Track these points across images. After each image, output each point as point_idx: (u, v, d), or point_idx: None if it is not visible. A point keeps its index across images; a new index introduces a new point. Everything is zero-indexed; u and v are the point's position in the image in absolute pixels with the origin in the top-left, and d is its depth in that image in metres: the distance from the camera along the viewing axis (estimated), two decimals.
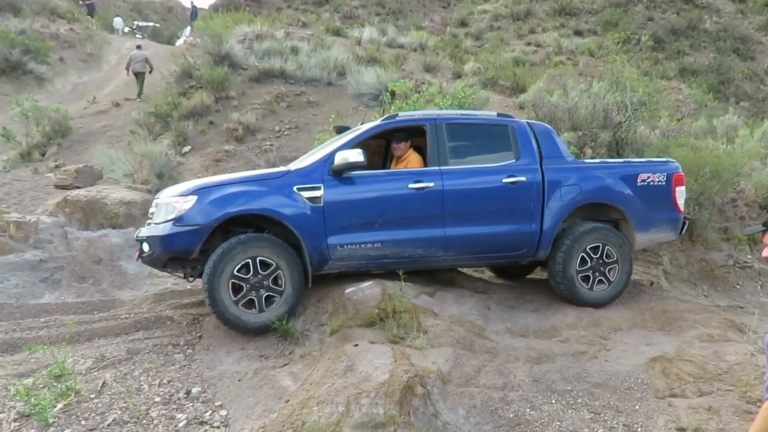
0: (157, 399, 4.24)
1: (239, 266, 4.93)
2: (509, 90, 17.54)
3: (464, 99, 10.05)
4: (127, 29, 35.44)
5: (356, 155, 5.24)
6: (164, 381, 4.51)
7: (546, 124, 6.52)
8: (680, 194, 6.22)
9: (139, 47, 19.97)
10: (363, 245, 5.36)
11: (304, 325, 5.23)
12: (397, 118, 5.95)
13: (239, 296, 4.97)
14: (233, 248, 4.91)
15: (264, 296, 5.04)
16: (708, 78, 26.05)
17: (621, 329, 5.45)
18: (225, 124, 13.06)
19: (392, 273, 5.47)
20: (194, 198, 5.01)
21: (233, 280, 4.94)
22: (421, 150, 6.02)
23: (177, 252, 5.08)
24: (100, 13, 35.88)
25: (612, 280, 5.92)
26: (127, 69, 18.69)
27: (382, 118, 5.95)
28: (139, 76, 18.35)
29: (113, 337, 5.31)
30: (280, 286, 5.08)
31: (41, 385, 4.21)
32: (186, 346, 5.14)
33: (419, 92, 10.95)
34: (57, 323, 5.60)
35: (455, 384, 4.33)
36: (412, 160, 6.03)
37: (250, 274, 4.98)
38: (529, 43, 28.97)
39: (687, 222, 6.45)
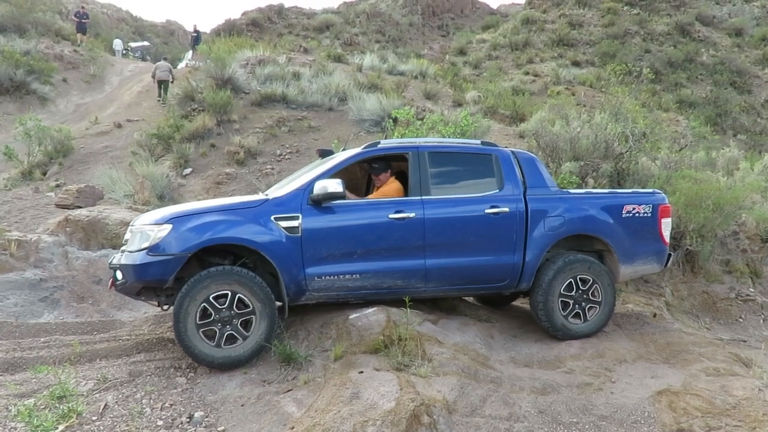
0: (160, 423, 4.19)
1: (199, 315, 4.85)
2: (509, 119, 17.70)
3: (467, 127, 10.13)
4: (124, 51, 35.76)
5: (335, 185, 5.16)
6: (166, 404, 4.46)
7: (531, 153, 6.44)
8: (666, 226, 6.17)
9: (165, 58, 22.86)
10: (341, 276, 5.28)
11: (307, 350, 5.20)
12: (379, 146, 5.85)
13: (216, 339, 4.90)
14: (182, 303, 4.79)
15: (239, 323, 4.96)
16: (705, 110, 26.35)
17: (626, 361, 5.42)
18: (226, 147, 13.12)
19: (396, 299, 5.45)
20: (169, 227, 4.91)
21: (202, 330, 4.87)
22: (405, 176, 5.96)
23: (150, 282, 4.99)
24: (103, 35, 36.22)
25: (600, 300, 5.87)
26: (153, 77, 20.55)
27: (364, 145, 5.88)
28: (163, 84, 20.11)
29: (115, 359, 5.26)
30: (249, 306, 4.98)
31: (43, 406, 4.16)
32: (188, 369, 5.08)
33: (421, 119, 11.03)
34: (57, 343, 5.55)
35: (461, 414, 4.29)
36: (389, 189, 5.90)
37: (214, 315, 4.89)
38: (527, 73, 29.33)
39: (672, 254, 6.40)
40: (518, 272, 5.74)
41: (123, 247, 5.34)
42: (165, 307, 5.35)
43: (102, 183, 11.17)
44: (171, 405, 4.46)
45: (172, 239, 4.88)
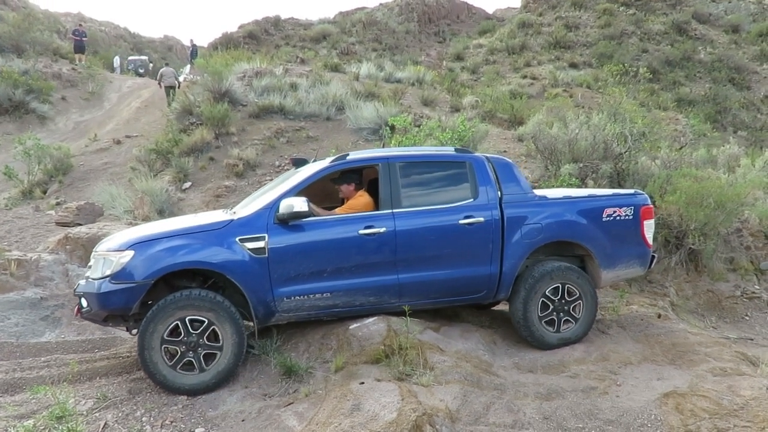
0: None
1: (167, 358, 4.78)
2: (507, 122, 17.67)
3: (464, 132, 10.11)
4: (129, 66, 36.02)
5: (301, 204, 5.01)
6: (167, 422, 4.42)
7: (506, 158, 6.21)
8: (648, 228, 5.98)
9: (167, 64, 24.47)
10: (312, 295, 5.15)
11: (308, 362, 5.15)
12: (348, 159, 5.66)
13: (197, 365, 4.84)
14: (145, 357, 4.70)
15: (206, 339, 4.87)
16: (705, 108, 26.31)
17: (631, 363, 5.36)
18: (225, 160, 13.10)
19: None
20: (131, 253, 4.80)
21: (180, 365, 4.80)
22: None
23: (114, 310, 4.89)
24: (101, 53, 36.39)
25: (578, 294, 5.74)
26: (159, 83, 22.01)
27: (332, 158, 5.72)
28: (171, 90, 21.62)
29: (115, 377, 5.22)
30: (203, 321, 4.85)
31: (42, 427, 4.12)
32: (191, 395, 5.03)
33: (418, 126, 11.02)
34: (58, 362, 5.52)
35: (464, 422, 4.24)
36: (358, 203, 5.70)
37: (180, 349, 4.80)
38: (525, 76, 29.30)
39: (655, 256, 6.24)
40: (495, 283, 5.61)
41: (87, 273, 5.21)
42: (134, 332, 5.18)
43: (102, 200, 11.16)
44: (171, 422, 4.41)
45: (134, 266, 4.77)
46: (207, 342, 4.88)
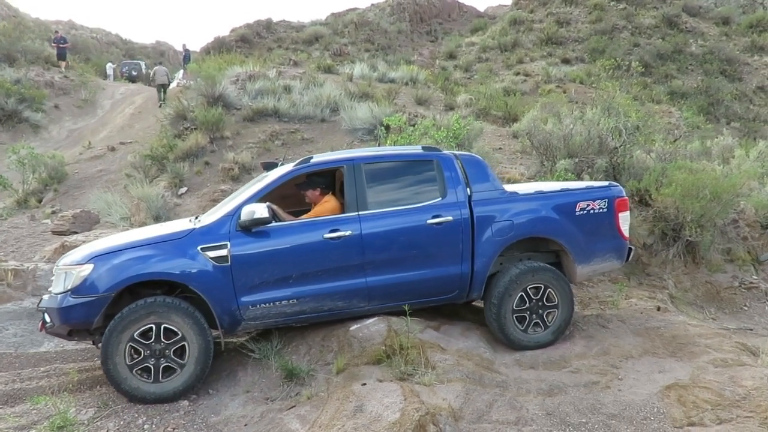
0: None
1: (144, 375, 4.74)
2: (501, 120, 17.67)
3: (459, 131, 10.11)
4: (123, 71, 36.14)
5: (262, 210, 4.94)
6: (169, 428, 4.40)
7: (475, 155, 6.09)
8: (624, 220, 5.87)
9: (160, 63, 25.69)
10: (278, 302, 5.07)
11: (309, 364, 5.14)
12: (312, 162, 5.55)
13: (176, 365, 4.82)
14: (116, 379, 4.67)
15: (163, 336, 4.80)
16: (697, 100, 26.36)
17: (632, 357, 5.36)
18: (221, 164, 13.06)
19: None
20: (90, 266, 4.76)
21: (161, 375, 4.77)
22: None
23: (76, 325, 4.84)
24: (93, 60, 36.33)
25: (542, 285, 5.62)
26: (152, 83, 23.08)
27: (296, 162, 5.61)
28: (163, 87, 22.83)
29: None
30: (151, 325, 4.77)
31: None
32: (190, 391, 5.02)
33: (413, 125, 11.01)
34: (57, 372, 5.49)
35: (467, 421, 4.23)
36: (324, 208, 5.60)
37: (149, 361, 4.75)
38: (517, 73, 29.28)
39: (633, 248, 6.16)
40: (467, 282, 5.54)
41: (50, 288, 5.15)
42: (100, 345, 5.04)
43: (97, 207, 11.13)
44: (173, 429, 4.40)
45: (93, 279, 4.73)
46: (167, 341, 4.82)
